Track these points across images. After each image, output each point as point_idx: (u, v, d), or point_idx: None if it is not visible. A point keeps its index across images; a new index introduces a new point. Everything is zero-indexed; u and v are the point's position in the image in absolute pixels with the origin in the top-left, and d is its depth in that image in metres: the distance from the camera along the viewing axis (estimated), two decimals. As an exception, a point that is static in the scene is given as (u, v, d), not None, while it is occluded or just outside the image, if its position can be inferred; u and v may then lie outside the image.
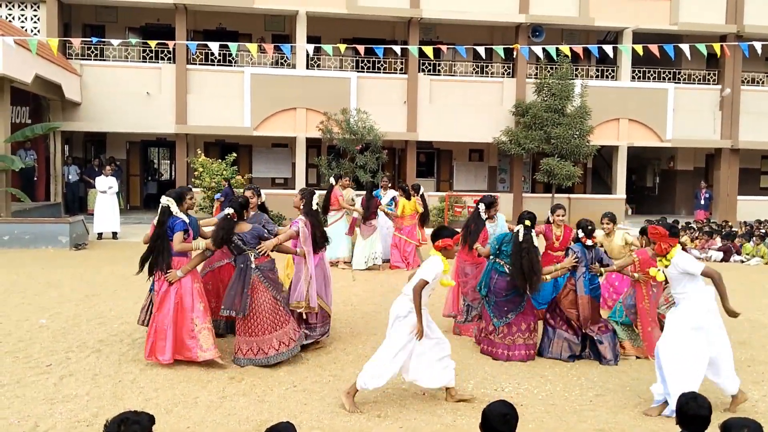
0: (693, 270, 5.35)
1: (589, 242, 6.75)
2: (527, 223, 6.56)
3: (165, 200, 6.28)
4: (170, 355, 6.12)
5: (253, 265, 6.23)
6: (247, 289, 6.18)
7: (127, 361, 6.36)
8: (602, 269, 6.81)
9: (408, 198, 12.10)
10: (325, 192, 12.16)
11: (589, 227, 6.77)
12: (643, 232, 7.17)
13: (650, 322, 6.87)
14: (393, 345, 5.33)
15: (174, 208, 6.25)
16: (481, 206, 7.80)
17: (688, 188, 23.02)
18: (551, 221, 8.01)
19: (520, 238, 6.53)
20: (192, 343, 6.15)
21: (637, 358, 6.92)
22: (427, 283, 5.25)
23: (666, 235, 5.43)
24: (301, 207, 6.86)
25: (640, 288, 6.89)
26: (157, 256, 6.22)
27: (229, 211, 6.25)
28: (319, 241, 6.84)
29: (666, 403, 5.38)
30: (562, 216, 7.96)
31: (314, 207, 6.91)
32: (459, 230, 6.70)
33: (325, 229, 7.53)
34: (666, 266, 5.49)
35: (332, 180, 12.09)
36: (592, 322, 6.72)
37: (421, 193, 12.22)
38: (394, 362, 5.31)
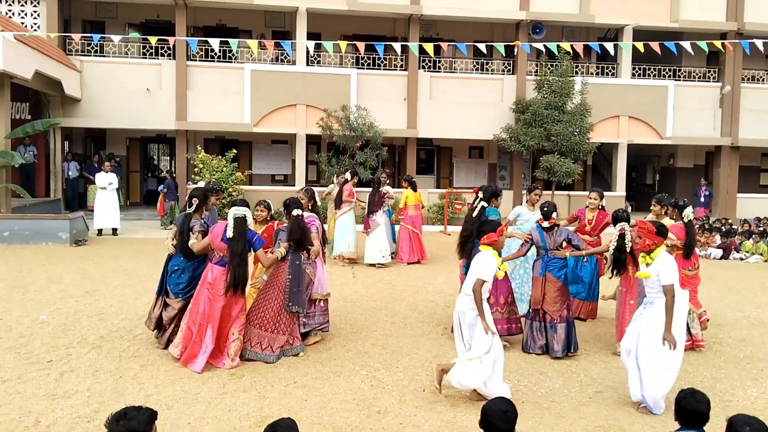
0: (663, 277, 5.30)
1: (545, 224, 6.87)
2: (481, 195, 7.25)
3: (242, 211, 6.04)
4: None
5: (303, 264, 6.44)
6: (303, 286, 6.37)
7: (127, 357, 6.38)
8: (567, 253, 6.84)
9: (414, 189, 12.49)
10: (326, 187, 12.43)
11: (545, 209, 6.89)
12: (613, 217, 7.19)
13: (627, 307, 6.84)
14: (483, 344, 5.31)
15: (250, 219, 6.11)
16: (481, 195, 7.84)
17: (687, 186, 23.00)
18: (587, 205, 8.20)
19: (474, 212, 7.17)
20: (224, 350, 6.13)
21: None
22: (484, 282, 5.34)
23: (653, 232, 5.46)
24: (309, 206, 7.15)
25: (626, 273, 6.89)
26: (242, 272, 6.00)
27: (299, 212, 6.49)
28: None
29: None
30: (594, 200, 8.06)
31: (319, 203, 7.29)
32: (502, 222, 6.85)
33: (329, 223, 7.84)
34: (648, 264, 5.50)
35: (347, 175, 12.43)
36: (551, 302, 6.74)
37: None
38: (488, 360, 5.31)
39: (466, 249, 7.01)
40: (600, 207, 8.16)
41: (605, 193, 21.92)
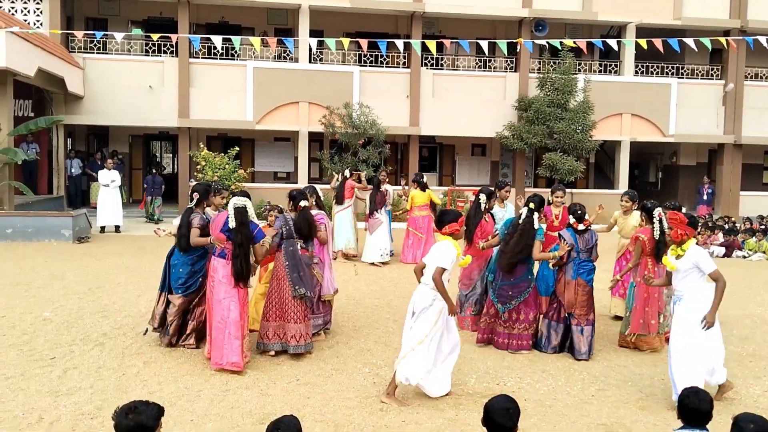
0: (705, 267, 5.29)
1: (581, 226, 6.75)
2: (531, 205, 6.73)
3: (242, 201, 5.94)
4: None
5: (299, 249, 6.44)
6: (304, 271, 6.39)
7: (130, 354, 6.39)
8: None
9: (423, 189, 12.16)
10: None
11: (579, 212, 6.77)
12: (644, 209, 7.15)
13: (646, 300, 6.84)
14: (418, 334, 5.31)
15: (251, 211, 6.05)
16: (482, 197, 7.79)
17: (690, 183, 22.97)
18: (551, 202, 8.20)
19: (521, 219, 6.78)
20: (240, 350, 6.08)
21: (641, 350, 6.93)
22: (444, 270, 5.28)
23: (685, 222, 5.39)
24: (314, 203, 7.19)
25: (645, 262, 6.88)
26: (244, 263, 5.85)
27: (305, 203, 6.54)
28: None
29: None
30: (561, 198, 8.14)
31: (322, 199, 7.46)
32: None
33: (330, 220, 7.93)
34: (678, 256, 5.42)
35: (347, 173, 12.47)
36: (579, 306, 6.71)
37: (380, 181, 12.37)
38: (422, 350, 5.28)
39: (517, 269, 6.74)
40: (565, 203, 8.25)
41: (608, 191, 22.00)
